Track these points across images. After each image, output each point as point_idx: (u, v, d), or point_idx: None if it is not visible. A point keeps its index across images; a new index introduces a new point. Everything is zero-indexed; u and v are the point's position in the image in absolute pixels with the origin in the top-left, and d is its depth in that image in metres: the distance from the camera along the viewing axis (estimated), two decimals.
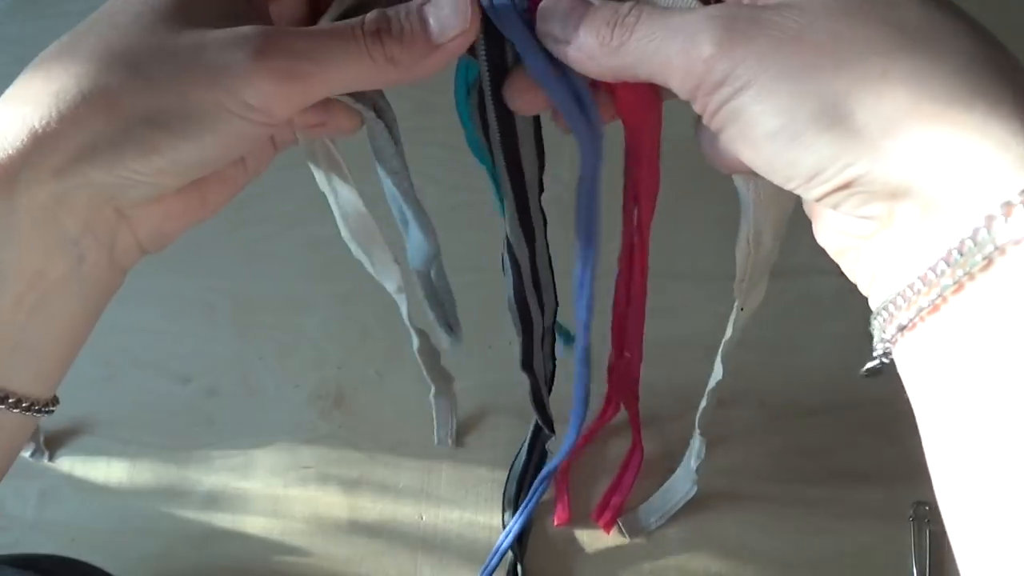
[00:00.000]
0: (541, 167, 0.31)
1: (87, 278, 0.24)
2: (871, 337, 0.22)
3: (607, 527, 0.53)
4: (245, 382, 0.62)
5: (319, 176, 0.33)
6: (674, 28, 0.21)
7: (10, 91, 0.23)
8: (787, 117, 0.20)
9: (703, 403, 0.43)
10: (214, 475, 0.58)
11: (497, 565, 0.51)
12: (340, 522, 0.55)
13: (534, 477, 0.53)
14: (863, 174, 0.20)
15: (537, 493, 0.51)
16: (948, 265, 0.18)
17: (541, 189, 0.31)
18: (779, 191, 0.22)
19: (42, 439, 0.59)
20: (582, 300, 0.32)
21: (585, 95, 0.25)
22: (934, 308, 0.19)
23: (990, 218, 0.18)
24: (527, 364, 0.41)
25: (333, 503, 0.56)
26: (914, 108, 0.19)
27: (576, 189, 0.28)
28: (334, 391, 0.60)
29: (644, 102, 0.26)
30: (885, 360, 0.22)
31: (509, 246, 0.33)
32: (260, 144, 0.27)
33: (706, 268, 0.61)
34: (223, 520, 0.56)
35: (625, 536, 0.53)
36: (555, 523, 0.53)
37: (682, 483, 0.51)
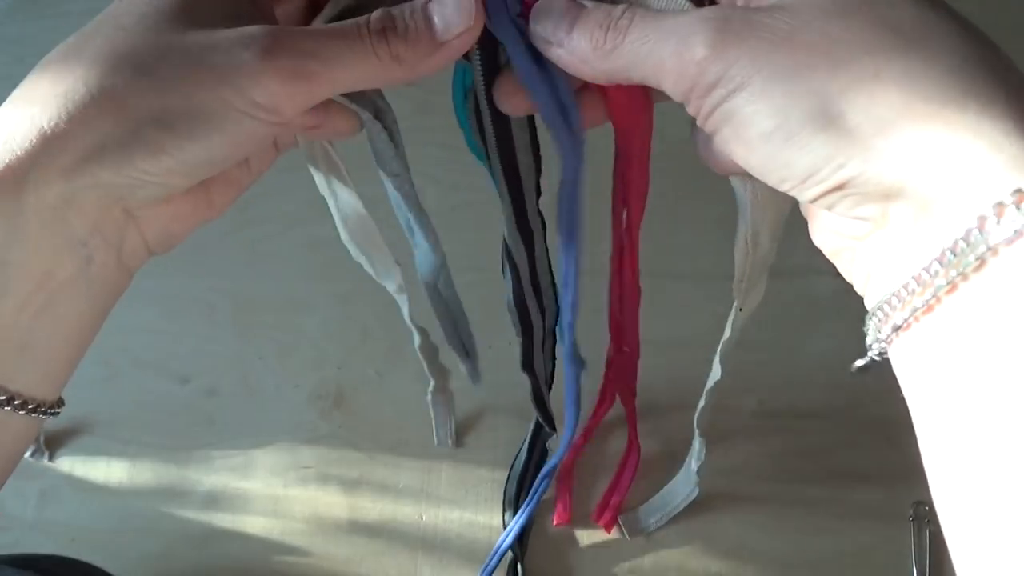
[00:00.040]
0: (538, 171, 0.31)
1: (95, 279, 0.24)
2: (864, 336, 0.22)
3: (607, 527, 0.53)
4: (245, 382, 0.62)
5: (318, 179, 0.33)
6: (667, 30, 0.21)
7: (17, 92, 0.23)
8: (781, 118, 0.20)
9: (701, 403, 0.43)
10: (214, 475, 0.58)
11: (497, 565, 0.51)
12: (340, 522, 0.55)
13: (534, 476, 0.53)
14: (856, 175, 0.20)
15: (538, 492, 0.51)
16: (941, 266, 0.18)
17: (538, 193, 0.31)
18: (776, 192, 0.22)
19: (42, 439, 0.59)
20: (567, 300, 0.33)
21: (568, 100, 0.25)
22: (928, 308, 0.19)
23: (982, 219, 0.18)
24: (528, 365, 0.41)
25: (333, 503, 0.56)
26: (907, 108, 0.19)
27: (558, 193, 0.28)
28: (334, 391, 0.60)
29: (635, 104, 0.26)
30: (876, 358, 0.22)
31: (507, 250, 0.33)
32: (268, 142, 0.27)
33: (706, 268, 0.61)
34: (223, 520, 0.56)
35: (625, 536, 0.53)
36: (555, 523, 0.53)
37: (683, 485, 0.51)
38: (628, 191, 0.30)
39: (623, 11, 0.22)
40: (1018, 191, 0.17)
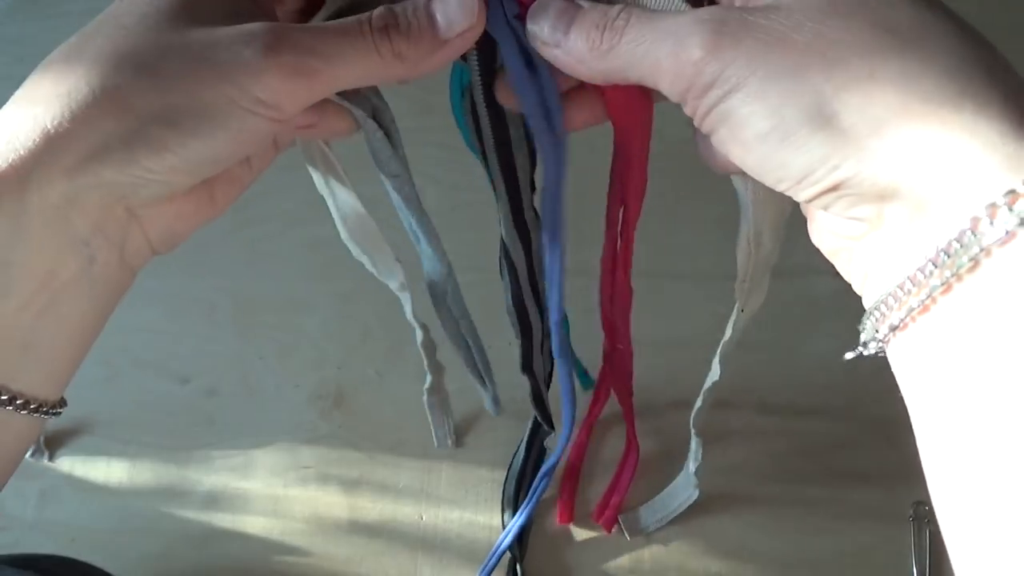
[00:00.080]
0: (532, 167, 0.31)
1: (98, 278, 0.24)
2: (859, 334, 0.22)
3: (607, 526, 0.53)
4: (245, 382, 0.62)
5: (317, 178, 0.33)
6: (663, 31, 0.22)
7: (20, 92, 0.23)
8: (776, 119, 0.20)
9: (698, 403, 0.43)
10: (214, 475, 0.58)
11: (496, 564, 0.51)
12: (340, 522, 0.55)
13: (533, 476, 0.53)
14: (851, 176, 0.20)
15: (538, 491, 0.51)
16: (936, 266, 0.19)
17: (532, 189, 0.32)
18: (776, 191, 0.22)
19: (42, 439, 0.59)
20: (554, 298, 0.33)
21: (554, 104, 0.26)
22: (924, 308, 0.19)
23: (976, 219, 0.18)
24: (527, 367, 0.41)
25: (333, 503, 0.56)
26: (902, 108, 0.19)
27: (541, 194, 0.29)
28: (334, 391, 0.60)
29: (634, 103, 0.26)
30: (865, 352, 0.22)
31: (505, 249, 0.33)
32: (270, 139, 0.27)
33: (706, 268, 0.61)
34: (223, 520, 0.56)
35: (625, 536, 0.53)
36: (558, 521, 0.53)
37: (683, 487, 0.51)
38: (626, 190, 0.30)
39: (619, 11, 0.22)
40: (1011, 192, 0.17)
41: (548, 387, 0.45)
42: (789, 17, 0.20)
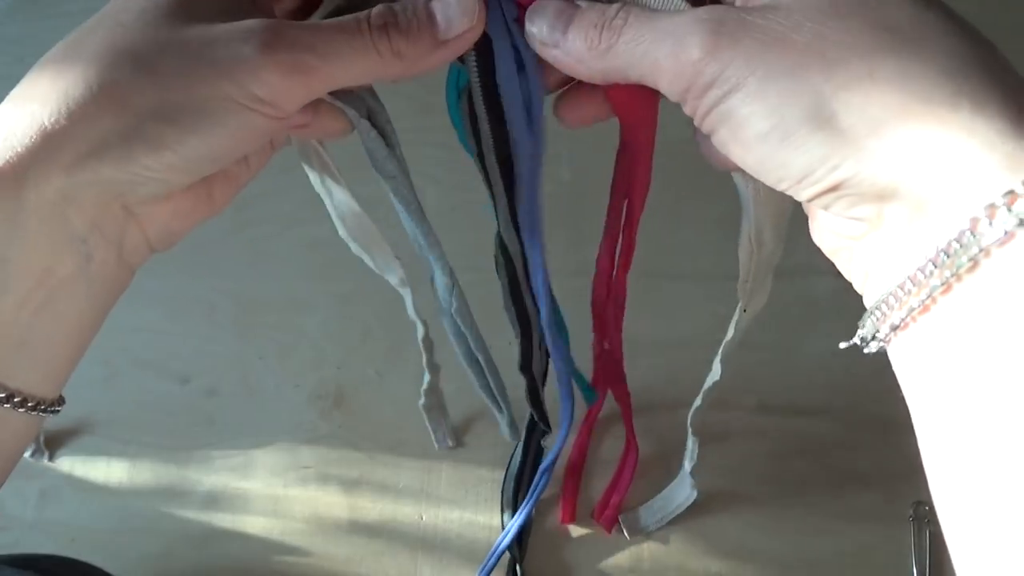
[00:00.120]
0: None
1: (95, 276, 0.24)
2: (858, 331, 0.22)
3: (607, 526, 0.53)
4: (245, 382, 0.62)
5: (313, 178, 0.33)
6: (662, 31, 0.22)
7: (17, 90, 0.23)
8: (776, 119, 0.20)
9: (697, 403, 0.43)
10: (214, 475, 0.58)
11: (495, 564, 0.51)
12: (340, 522, 0.55)
13: (532, 475, 0.53)
14: (851, 176, 0.20)
15: (536, 491, 0.51)
16: (936, 266, 0.19)
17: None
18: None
19: (42, 439, 0.59)
20: (541, 293, 0.34)
21: (536, 109, 0.27)
22: (924, 308, 0.19)
23: (975, 220, 0.18)
24: (526, 366, 0.41)
25: (333, 503, 0.56)
26: (901, 108, 0.19)
27: (517, 193, 0.30)
28: (334, 391, 0.60)
29: (639, 99, 0.26)
30: (866, 350, 0.22)
31: (502, 247, 0.33)
32: (268, 137, 0.27)
33: (706, 268, 0.61)
34: (223, 520, 0.56)
35: (625, 536, 0.53)
36: (560, 521, 0.53)
37: (681, 488, 0.51)
38: (631, 184, 0.30)
39: (617, 11, 0.22)
40: (1010, 192, 0.17)
41: (544, 384, 0.45)
42: (788, 17, 0.20)
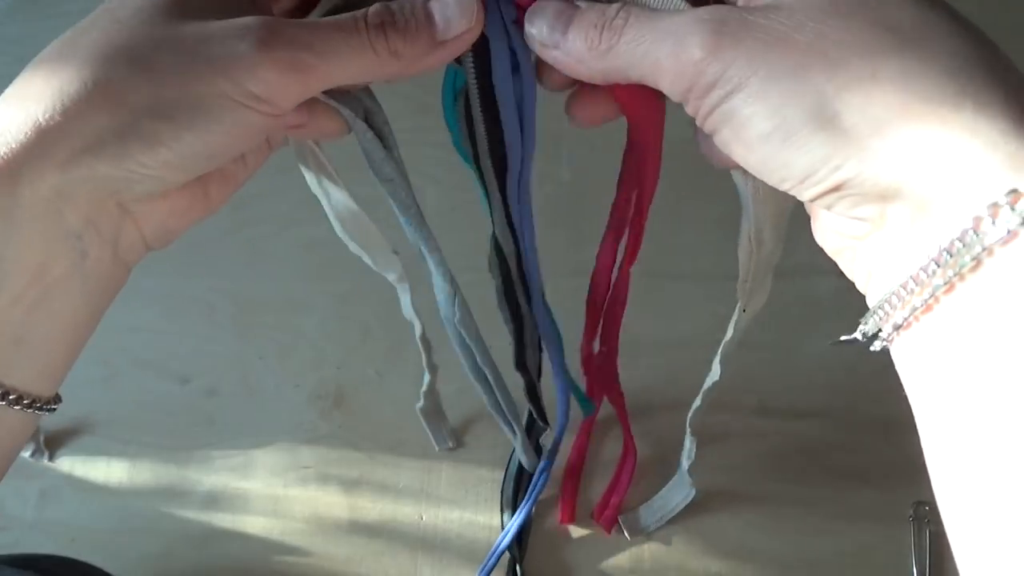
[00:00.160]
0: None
1: (90, 274, 0.24)
2: (859, 327, 0.22)
3: (607, 527, 0.53)
4: (245, 382, 0.62)
5: (309, 177, 0.33)
6: (663, 31, 0.21)
7: (12, 88, 0.23)
8: (778, 119, 0.20)
9: (696, 403, 0.43)
10: (214, 475, 0.58)
11: (495, 564, 0.51)
12: (340, 522, 0.55)
13: (531, 475, 0.53)
14: (853, 176, 0.20)
15: (536, 490, 0.51)
16: (939, 266, 0.19)
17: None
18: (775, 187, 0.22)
19: (42, 439, 0.59)
20: (535, 300, 0.34)
21: (528, 112, 0.27)
22: (927, 308, 0.19)
23: (978, 219, 0.18)
24: (520, 363, 0.41)
25: (333, 503, 0.56)
26: (903, 109, 0.19)
27: (509, 192, 0.30)
28: (334, 391, 0.60)
29: (645, 99, 0.26)
30: (871, 348, 0.22)
31: (497, 247, 0.33)
32: (264, 135, 0.27)
33: (706, 268, 0.61)
34: (223, 520, 0.56)
35: (626, 536, 0.53)
36: (559, 521, 0.53)
37: (679, 486, 0.51)
38: (642, 180, 0.30)
39: (618, 11, 0.22)
40: (1013, 191, 0.17)
41: (539, 378, 0.45)
42: (790, 17, 0.20)
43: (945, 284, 0.19)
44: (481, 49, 0.25)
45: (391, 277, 0.38)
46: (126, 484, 0.58)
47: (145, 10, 0.22)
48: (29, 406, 0.24)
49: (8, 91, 0.23)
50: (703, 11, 0.21)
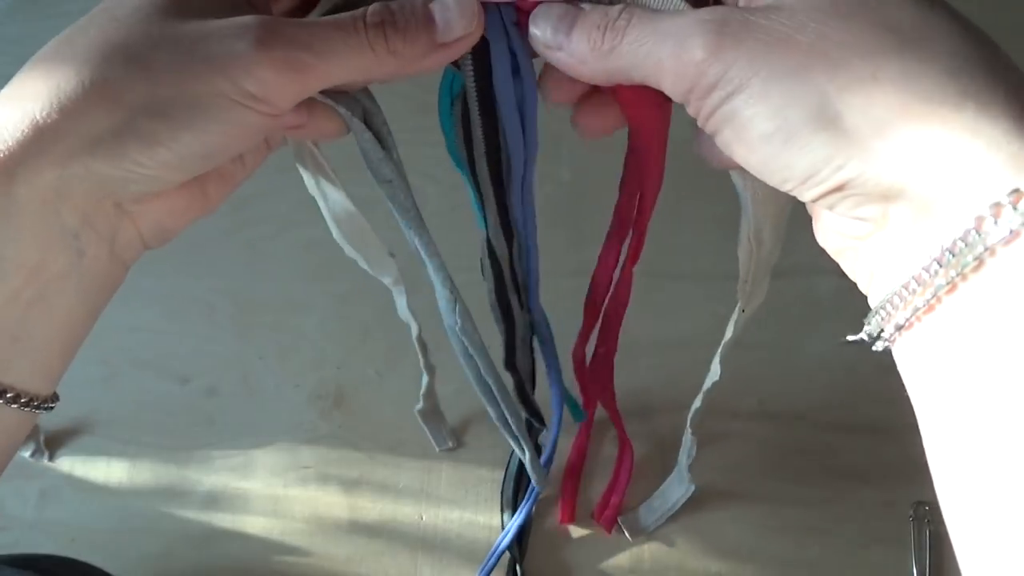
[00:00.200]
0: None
1: (87, 272, 0.24)
2: (863, 327, 0.22)
3: (608, 527, 0.53)
4: (245, 382, 0.62)
5: (307, 178, 0.32)
6: (664, 32, 0.21)
7: (9, 87, 0.23)
8: (780, 119, 0.20)
9: (696, 403, 0.43)
10: (214, 475, 0.58)
11: (495, 564, 0.51)
12: (340, 522, 0.55)
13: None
14: (855, 176, 0.20)
15: (535, 489, 0.51)
16: (941, 266, 0.19)
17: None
18: (776, 188, 0.22)
19: (42, 439, 0.59)
20: (533, 304, 0.35)
21: (530, 113, 0.27)
22: (929, 308, 0.19)
23: (980, 219, 0.18)
24: (510, 363, 0.41)
25: (333, 503, 0.56)
26: (904, 109, 0.19)
27: (511, 197, 0.31)
28: (334, 391, 0.60)
29: (648, 100, 0.26)
30: (874, 348, 0.22)
31: (490, 248, 0.33)
32: (262, 135, 0.27)
33: (706, 268, 0.61)
34: (223, 520, 0.56)
35: (626, 536, 0.53)
36: (559, 521, 0.53)
37: (678, 483, 0.51)
38: (644, 184, 0.30)
39: (620, 12, 0.22)
40: (1015, 191, 0.17)
41: (533, 384, 0.45)
42: (791, 18, 0.20)
43: (947, 284, 0.19)
44: (480, 52, 0.25)
45: (387, 280, 0.38)
46: (126, 484, 0.58)
47: (143, 9, 0.22)
48: (26, 404, 0.24)
49: (6, 90, 0.23)
50: (705, 12, 0.21)
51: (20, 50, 0.23)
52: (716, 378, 0.40)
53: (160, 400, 0.61)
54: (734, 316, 0.35)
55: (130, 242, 0.25)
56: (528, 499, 0.52)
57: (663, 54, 0.21)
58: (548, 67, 0.26)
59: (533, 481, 0.50)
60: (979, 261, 0.18)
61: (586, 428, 0.55)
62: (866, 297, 0.23)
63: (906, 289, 0.20)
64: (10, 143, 0.21)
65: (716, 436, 0.54)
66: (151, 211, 0.25)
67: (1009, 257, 0.18)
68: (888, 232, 0.21)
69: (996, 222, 0.17)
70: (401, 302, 0.40)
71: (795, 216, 0.28)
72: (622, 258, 0.35)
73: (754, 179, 0.27)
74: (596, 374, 0.45)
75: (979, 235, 0.18)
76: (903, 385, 0.21)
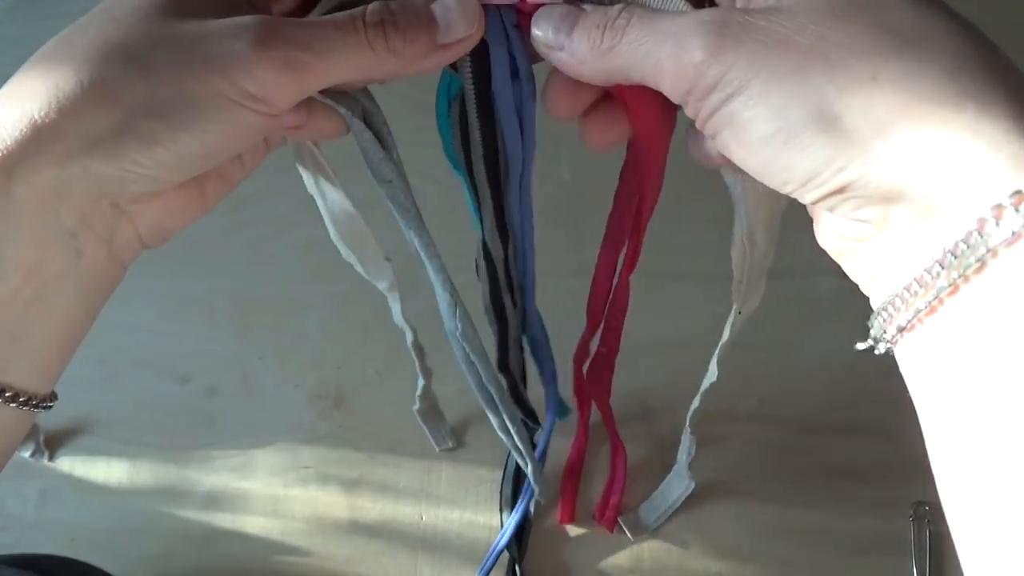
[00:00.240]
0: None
1: (85, 272, 0.24)
2: (866, 332, 0.22)
3: (609, 526, 0.53)
4: (245, 382, 0.62)
5: (306, 177, 0.32)
6: (664, 32, 0.21)
7: (8, 85, 0.23)
8: (780, 121, 0.20)
9: (695, 403, 0.43)
10: (214, 475, 0.58)
11: (494, 564, 0.51)
12: (340, 522, 0.55)
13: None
14: (856, 178, 0.20)
15: (531, 488, 0.51)
16: (943, 268, 0.18)
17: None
18: (769, 188, 0.22)
19: (42, 439, 0.59)
20: (529, 304, 0.35)
21: (528, 115, 0.28)
22: (931, 310, 0.19)
23: (982, 221, 0.18)
24: (503, 364, 0.41)
25: (333, 503, 0.56)
26: (904, 110, 0.19)
27: (509, 198, 0.31)
28: (334, 391, 0.60)
29: (652, 104, 0.25)
30: (876, 351, 0.22)
31: (485, 250, 0.33)
32: (262, 135, 0.27)
33: (706, 268, 0.61)
34: (223, 520, 0.56)
35: (627, 535, 0.53)
36: (559, 521, 0.53)
37: (677, 481, 0.51)
38: (643, 194, 0.30)
39: (619, 11, 0.22)
40: (1017, 192, 0.17)
41: (525, 383, 0.45)
42: (791, 19, 0.20)
43: (949, 286, 0.19)
44: (479, 54, 0.25)
45: (382, 286, 0.38)
46: (126, 484, 0.58)
47: (142, 9, 0.22)
48: (25, 404, 0.24)
49: (4, 89, 0.23)
50: (704, 13, 0.21)
51: (20, 50, 0.23)
52: (713, 379, 0.40)
53: (160, 400, 0.61)
54: (731, 317, 0.35)
55: (128, 242, 0.25)
56: (524, 496, 0.52)
57: (662, 54, 0.21)
58: (551, 79, 0.26)
59: (536, 493, 0.50)
60: (981, 263, 0.18)
61: (584, 429, 0.55)
62: (865, 297, 0.23)
63: (908, 291, 0.20)
64: (8, 143, 0.21)
65: (716, 436, 0.54)
66: (149, 211, 0.25)
67: (1011, 259, 0.18)
68: (889, 234, 0.21)
69: (998, 224, 0.17)
70: (396, 308, 0.39)
71: (795, 217, 0.28)
72: (619, 267, 0.35)
73: (744, 177, 0.27)
74: (597, 374, 0.45)
75: (981, 237, 0.18)
76: (903, 385, 0.21)
